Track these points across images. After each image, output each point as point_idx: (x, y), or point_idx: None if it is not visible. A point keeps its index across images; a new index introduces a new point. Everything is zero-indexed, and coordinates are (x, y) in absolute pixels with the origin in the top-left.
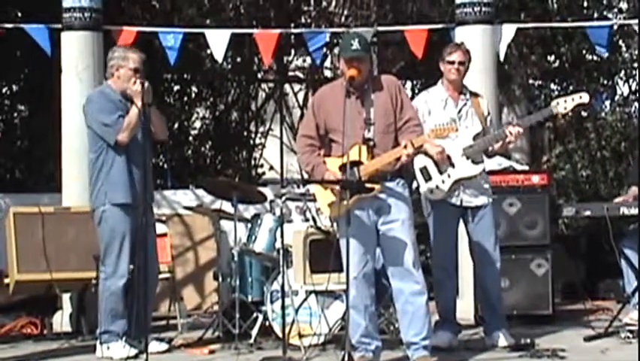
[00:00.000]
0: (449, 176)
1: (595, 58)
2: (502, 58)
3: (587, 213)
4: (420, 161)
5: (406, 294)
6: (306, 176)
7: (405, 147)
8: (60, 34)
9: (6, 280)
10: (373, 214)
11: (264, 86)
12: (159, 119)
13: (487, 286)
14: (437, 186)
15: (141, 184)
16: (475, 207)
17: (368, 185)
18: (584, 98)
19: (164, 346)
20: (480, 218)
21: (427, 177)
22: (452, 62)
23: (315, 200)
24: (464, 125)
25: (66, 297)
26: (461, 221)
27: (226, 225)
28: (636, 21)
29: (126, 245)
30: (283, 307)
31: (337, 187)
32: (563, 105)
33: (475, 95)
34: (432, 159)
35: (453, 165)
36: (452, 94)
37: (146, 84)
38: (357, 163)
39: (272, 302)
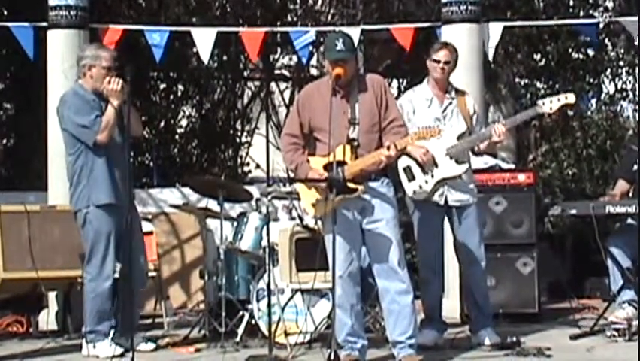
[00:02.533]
0: (432, 176)
1: (581, 56)
2: (490, 58)
3: (573, 211)
4: (403, 161)
5: (391, 293)
6: (291, 174)
7: (388, 148)
8: (46, 32)
9: None
10: (357, 214)
11: (250, 84)
12: (134, 116)
13: (472, 284)
14: (420, 186)
15: (123, 183)
16: (460, 206)
17: (351, 185)
18: (570, 98)
19: (151, 346)
20: (465, 217)
21: (411, 177)
22: (438, 61)
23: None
24: (449, 124)
25: (52, 295)
26: (446, 220)
27: (212, 223)
28: (622, 18)
29: (111, 246)
30: (269, 306)
31: (322, 186)
32: (549, 105)
33: (461, 93)
34: (415, 160)
35: (436, 165)
36: (437, 93)
37: (122, 82)
38: (341, 163)
39: (258, 301)
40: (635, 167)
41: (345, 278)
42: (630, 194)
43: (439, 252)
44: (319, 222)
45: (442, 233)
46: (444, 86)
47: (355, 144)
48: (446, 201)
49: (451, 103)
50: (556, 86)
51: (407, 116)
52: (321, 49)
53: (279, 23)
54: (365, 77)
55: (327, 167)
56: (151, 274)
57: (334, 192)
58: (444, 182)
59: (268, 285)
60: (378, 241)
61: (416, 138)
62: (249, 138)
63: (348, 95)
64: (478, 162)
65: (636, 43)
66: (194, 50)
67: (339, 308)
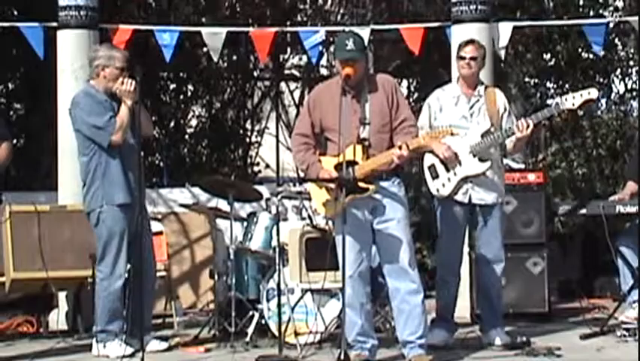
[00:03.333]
0: (455, 174)
1: (591, 56)
2: (502, 57)
3: (583, 211)
4: (428, 159)
5: (402, 293)
6: (301, 174)
7: (399, 147)
8: (56, 32)
9: (2, 279)
10: (368, 214)
11: (259, 84)
12: (144, 116)
13: (489, 285)
14: (443, 184)
15: (135, 183)
16: (484, 205)
17: (363, 185)
18: (593, 93)
19: (164, 345)
20: (489, 217)
21: (435, 175)
22: (463, 57)
23: (310, 198)
24: (475, 121)
25: (62, 295)
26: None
27: (222, 223)
28: (632, 19)
29: (124, 245)
30: (279, 306)
31: (332, 186)
32: (572, 101)
33: (491, 90)
34: (439, 158)
35: (460, 163)
36: (466, 90)
37: (134, 83)
38: (352, 163)
39: (268, 301)
40: None
41: (356, 278)
42: None
43: (460, 252)
44: (330, 222)
45: (464, 233)
46: (472, 84)
47: (366, 143)
48: (470, 200)
49: (478, 100)
50: (566, 85)
51: (434, 115)
52: (331, 49)
53: (288, 23)
54: (375, 77)
55: (338, 167)
56: (161, 274)
57: (344, 192)
58: (467, 180)
59: (278, 285)
60: (389, 240)
61: (428, 138)
62: (258, 138)
63: (359, 94)
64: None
65: None
66: (204, 49)
67: (349, 308)
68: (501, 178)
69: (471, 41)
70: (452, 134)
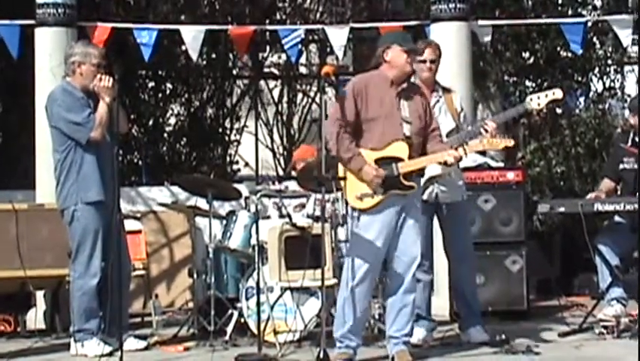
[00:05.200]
0: (422, 174)
1: (569, 55)
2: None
3: (562, 209)
4: None
5: (400, 291)
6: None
7: (456, 149)
8: (33, 30)
9: None
10: (400, 211)
11: (239, 82)
12: (120, 113)
13: (461, 282)
14: None
15: (111, 181)
16: (449, 203)
17: (406, 183)
18: (558, 94)
19: (143, 343)
20: (455, 214)
21: None
22: (424, 61)
23: (291, 197)
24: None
25: (40, 294)
26: (435, 218)
27: (201, 222)
28: (610, 17)
29: (98, 244)
30: (258, 304)
31: (378, 180)
32: (537, 101)
33: (447, 90)
34: None
35: None
36: (425, 92)
37: (112, 80)
38: (396, 159)
39: (247, 299)
40: (621, 166)
41: (372, 274)
42: (618, 192)
43: (429, 249)
44: (309, 219)
45: (432, 231)
46: (431, 85)
47: (410, 142)
48: (436, 199)
49: (438, 101)
50: (545, 84)
51: None
52: (310, 47)
53: (267, 21)
54: (414, 83)
55: (379, 161)
56: (140, 272)
57: (383, 188)
58: (433, 180)
59: (257, 283)
60: (408, 239)
61: (488, 145)
62: (238, 137)
63: (401, 93)
64: (468, 160)
65: (622, 42)
66: (183, 47)
67: (350, 302)
68: (462, 175)
69: (428, 44)
70: (512, 143)
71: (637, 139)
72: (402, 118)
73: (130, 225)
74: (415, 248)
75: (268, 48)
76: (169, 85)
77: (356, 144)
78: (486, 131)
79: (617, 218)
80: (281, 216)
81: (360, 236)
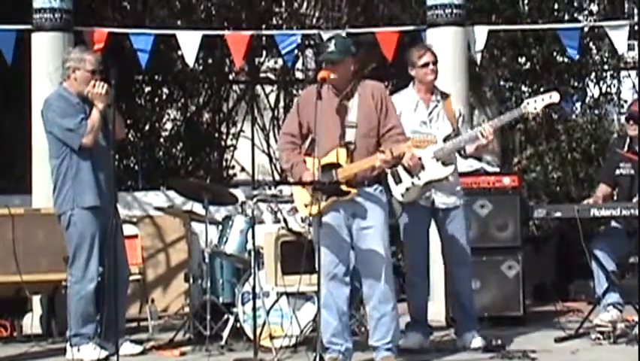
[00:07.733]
0: (419, 178)
1: (565, 60)
2: (478, 61)
3: (558, 214)
4: None
5: (373, 300)
6: (284, 174)
7: (383, 152)
8: (30, 35)
9: None
10: (349, 217)
11: (235, 87)
12: (117, 119)
13: (458, 287)
14: (407, 189)
15: (107, 186)
16: (446, 208)
17: (345, 188)
18: (554, 97)
19: (139, 348)
20: (451, 219)
21: (398, 180)
22: (427, 64)
23: (287, 202)
24: (435, 126)
25: (36, 299)
26: (433, 223)
27: (197, 226)
28: (606, 23)
29: (95, 248)
30: (254, 309)
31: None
32: (533, 105)
33: (446, 96)
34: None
35: (423, 168)
36: (423, 96)
37: (106, 86)
38: (335, 165)
39: (243, 304)
40: (617, 171)
41: (332, 280)
42: (615, 197)
43: (426, 255)
44: (305, 225)
45: (428, 236)
46: (430, 89)
47: (352, 147)
48: (433, 204)
49: (436, 106)
50: (541, 89)
51: None
52: (307, 52)
53: (264, 26)
54: (365, 83)
55: (324, 168)
56: (136, 277)
57: (321, 195)
58: (431, 184)
59: (253, 288)
60: (366, 247)
61: (413, 145)
62: (234, 141)
63: (348, 97)
64: (464, 165)
65: (617, 47)
66: (179, 53)
67: (324, 308)
68: (458, 180)
69: (426, 47)
70: (436, 142)
71: (637, 148)
72: (346, 123)
73: (126, 229)
74: (379, 257)
75: (264, 53)
76: (165, 90)
77: (309, 153)
78: (482, 135)
79: (613, 223)
80: (276, 221)
81: (320, 241)
